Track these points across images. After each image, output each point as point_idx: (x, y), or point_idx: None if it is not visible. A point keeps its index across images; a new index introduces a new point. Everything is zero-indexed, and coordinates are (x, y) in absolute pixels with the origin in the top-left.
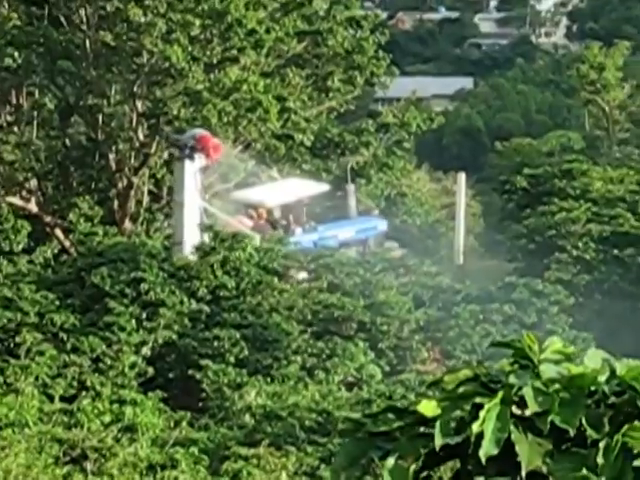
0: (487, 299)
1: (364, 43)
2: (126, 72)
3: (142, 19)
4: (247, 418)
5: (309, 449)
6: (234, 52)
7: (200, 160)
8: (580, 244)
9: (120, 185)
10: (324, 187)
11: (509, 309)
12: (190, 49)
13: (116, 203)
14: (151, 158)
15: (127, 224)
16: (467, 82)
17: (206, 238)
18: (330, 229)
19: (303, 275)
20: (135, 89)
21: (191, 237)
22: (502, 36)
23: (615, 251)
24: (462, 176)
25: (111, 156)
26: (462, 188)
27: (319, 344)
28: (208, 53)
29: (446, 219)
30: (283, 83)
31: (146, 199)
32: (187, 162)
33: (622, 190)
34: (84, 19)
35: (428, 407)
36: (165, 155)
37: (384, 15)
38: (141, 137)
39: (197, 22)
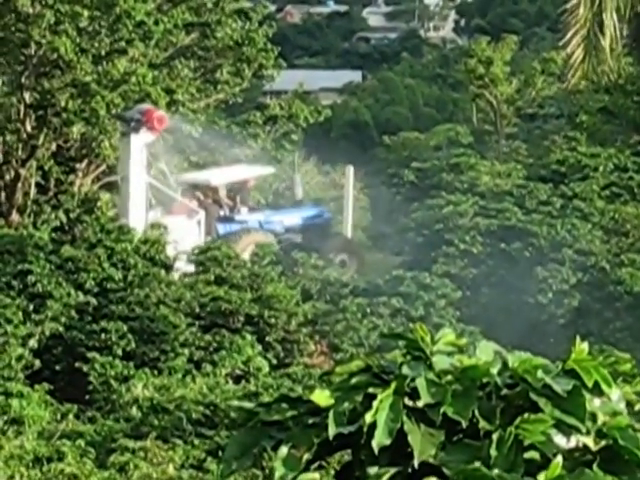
0: (375, 292)
1: (253, 35)
2: (14, 63)
3: (30, 10)
4: (134, 411)
5: (196, 442)
6: (122, 44)
7: (146, 136)
8: (467, 238)
9: (7, 177)
10: (269, 170)
11: (397, 302)
12: (78, 40)
13: (3, 195)
14: (38, 150)
15: (14, 216)
16: (355, 76)
17: (151, 215)
18: (277, 214)
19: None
20: (23, 80)
21: (136, 213)
22: (391, 30)
23: (502, 245)
24: (350, 169)
25: None
26: (350, 181)
27: (206, 337)
28: (96, 45)
29: (334, 212)
30: (171, 75)
31: (33, 191)
32: (133, 137)
33: (509, 184)
34: None
35: (321, 397)
36: (53, 147)
37: (272, 8)
38: (29, 129)
39: (85, 13)
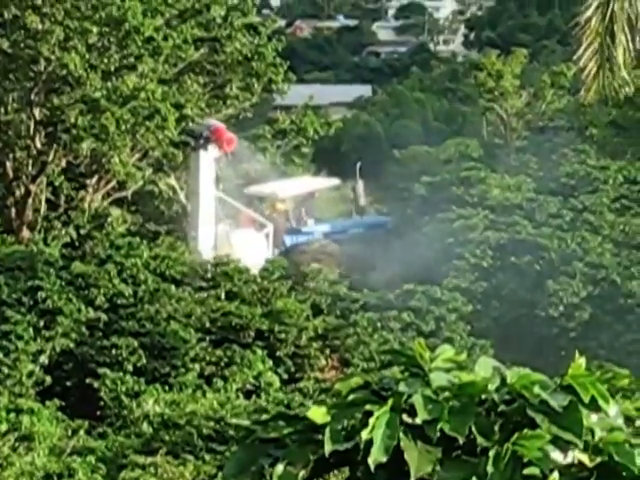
0: (385, 306)
1: (262, 50)
2: (23, 80)
3: (39, 26)
4: (145, 426)
5: (207, 457)
6: (132, 59)
7: (215, 150)
8: (478, 251)
9: (17, 193)
10: (334, 182)
11: (407, 317)
12: (88, 57)
13: (13, 211)
14: (49, 166)
15: (25, 232)
16: (365, 90)
17: (220, 228)
18: (341, 225)
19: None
20: (32, 97)
21: (206, 226)
22: (400, 44)
23: (512, 258)
24: (360, 183)
25: (8, 164)
26: (361, 195)
27: (217, 352)
28: (106, 61)
29: None
30: (181, 90)
31: (44, 207)
32: (202, 152)
33: (519, 197)
34: None
35: (318, 414)
36: (63, 163)
37: (282, 23)
38: (38, 145)
39: (95, 30)
